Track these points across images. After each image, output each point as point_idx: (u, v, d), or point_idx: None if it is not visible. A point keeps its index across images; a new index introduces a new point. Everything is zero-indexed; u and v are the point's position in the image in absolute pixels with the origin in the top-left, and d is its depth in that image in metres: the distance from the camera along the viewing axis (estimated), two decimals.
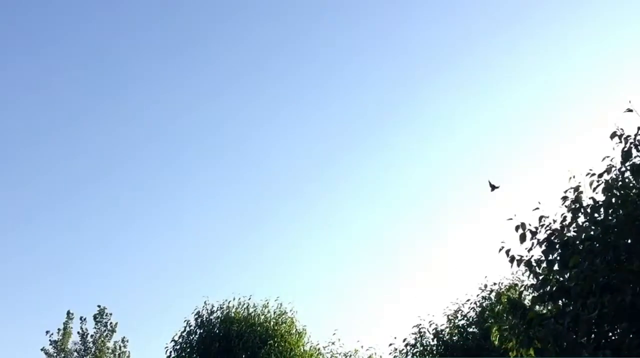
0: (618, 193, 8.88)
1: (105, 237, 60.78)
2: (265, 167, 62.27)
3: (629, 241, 8.28)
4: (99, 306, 37.87)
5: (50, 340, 37.05)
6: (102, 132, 58.36)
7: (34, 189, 56.15)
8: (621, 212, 8.27)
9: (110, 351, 36.71)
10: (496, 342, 11.16)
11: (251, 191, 63.12)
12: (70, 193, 59.42)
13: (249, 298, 23.84)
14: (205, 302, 23.81)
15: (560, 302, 9.49)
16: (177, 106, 60.46)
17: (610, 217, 8.96)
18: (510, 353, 10.63)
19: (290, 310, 23.94)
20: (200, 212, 62.45)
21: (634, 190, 8.60)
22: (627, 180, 8.89)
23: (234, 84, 58.54)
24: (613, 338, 7.92)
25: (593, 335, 8.11)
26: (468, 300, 17.30)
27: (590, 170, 9.28)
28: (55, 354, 36.65)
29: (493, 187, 10.32)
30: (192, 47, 59.29)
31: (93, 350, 36.50)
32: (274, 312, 23.76)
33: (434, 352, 16.64)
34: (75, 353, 36.60)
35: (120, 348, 37.00)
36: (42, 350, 36.74)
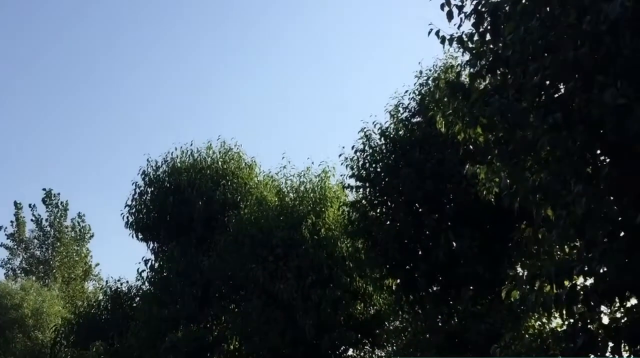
0: None
1: (27, 118, 58.53)
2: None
3: None
4: (44, 189, 37.05)
5: (5, 234, 36.60)
6: None
7: None
8: None
9: (70, 229, 36.50)
10: (442, 129, 10.86)
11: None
12: None
13: (191, 145, 23.23)
14: (148, 160, 23.13)
15: (499, 74, 9.08)
16: None
17: None
18: (458, 137, 10.39)
19: (235, 145, 23.51)
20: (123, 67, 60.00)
21: None
22: None
23: None
24: (560, 98, 7.57)
25: (539, 101, 7.73)
26: (406, 91, 16.82)
27: None
28: (15, 246, 36.35)
29: None
30: None
31: (52, 233, 36.21)
32: (219, 152, 23.27)
33: (384, 151, 16.46)
34: (36, 241, 36.36)
35: (79, 224, 36.81)
36: (1, 245, 36.38)
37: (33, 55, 60.47)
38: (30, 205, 37.03)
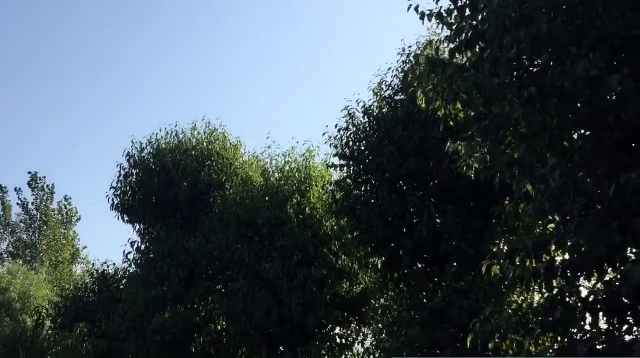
0: None
1: (14, 104, 58.05)
2: None
3: None
4: (29, 173, 36.78)
5: None
6: None
7: None
8: None
9: (56, 213, 36.32)
10: (423, 105, 10.81)
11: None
12: None
13: (176, 126, 23.04)
14: (132, 141, 22.94)
15: (477, 49, 9.05)
16: None
17: None
18: (438, 113, 10.35)
19: (220, 126, 23.35)
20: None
21: None
22: None
23: None
24: (535, 72, 7.54)
25: (515, 75, 7.70)
26: (389, 68, 16.77)
27: None
28: (2, 230, 36.17)
29: None
30: None
31: (39, 216, 36.02)
32: (204, 132, 23.13)
33: (367, 130, 16.42)
34: (22, 224, 36.16)
35: (66, 207, 36.63)
36: None
37: (15, 38, 59.83)
38: (16, 189, 36.87)
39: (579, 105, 6.92)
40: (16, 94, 60.42)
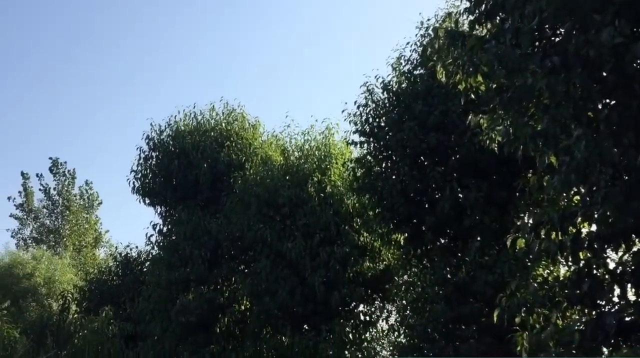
0: None
1: (28, 90, 58.37)
2: None
3: None
4: (50, 158, 36.97)
5: (15, 204, 36.71)
6: None
7: None
8: None
9: (78, 197, 36.58)
10: (443, 79, 10.65)
11: None
12: None
13: (194, 107, 23.02)
14: (151, 124, 22.97)
15: (498, 19, 8.88)
16: None
17: None
18: (459, 86, 10.20)
19: (238, 106, 23.30)
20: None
21: None
22: None
23: None
24: (558, 41, 7.38)
25: (537, 45, 7.54)
26: (408, 42, 16.59)
27: None
28: (25, 216, 36.48)
29: None
30: None
31: (60, 201, 36.28)
32: (222, 113, 23.10)
33: (387, 105, 16.30)
34: (45, 210, 36.46)
35: (87, 192, 36.89)
36: (11, 216, 36.55)
37: (32, 23, 59.98)
38: (37, 175, 37.08)
39: (603, 73, 6.77)
40: (34, 80, 60.75)
